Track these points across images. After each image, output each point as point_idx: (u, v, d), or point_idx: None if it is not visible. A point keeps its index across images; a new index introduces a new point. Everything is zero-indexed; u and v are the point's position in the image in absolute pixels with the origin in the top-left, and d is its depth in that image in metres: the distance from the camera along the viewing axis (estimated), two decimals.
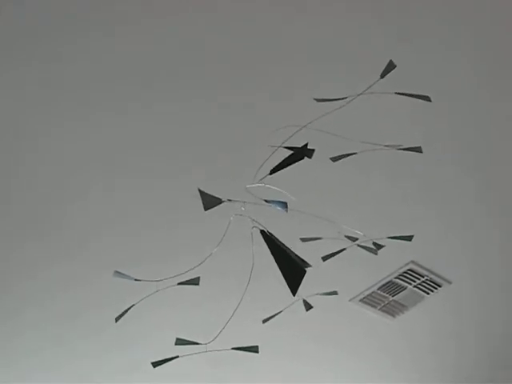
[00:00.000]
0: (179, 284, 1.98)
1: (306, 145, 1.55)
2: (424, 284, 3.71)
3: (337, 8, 2.44)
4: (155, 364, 1.89)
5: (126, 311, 1.96)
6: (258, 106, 2.72)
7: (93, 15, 2.34)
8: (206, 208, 1.54)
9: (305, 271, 1.45)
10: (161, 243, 3.19)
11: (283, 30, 2.48)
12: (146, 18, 2.38)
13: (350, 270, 3.56)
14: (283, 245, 1.54)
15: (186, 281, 1.99)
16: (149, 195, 2.97)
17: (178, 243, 3.21)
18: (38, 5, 2.27)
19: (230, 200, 1.66)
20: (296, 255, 1.55)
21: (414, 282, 3.68)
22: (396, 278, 3.65)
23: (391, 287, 3.70)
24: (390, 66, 1.74)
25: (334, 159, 1.99)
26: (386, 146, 2.03)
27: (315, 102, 2.69)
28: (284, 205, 1.55)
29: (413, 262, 3.58)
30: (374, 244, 2.06)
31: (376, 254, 2.09)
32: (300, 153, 1.56)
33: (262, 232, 1.54)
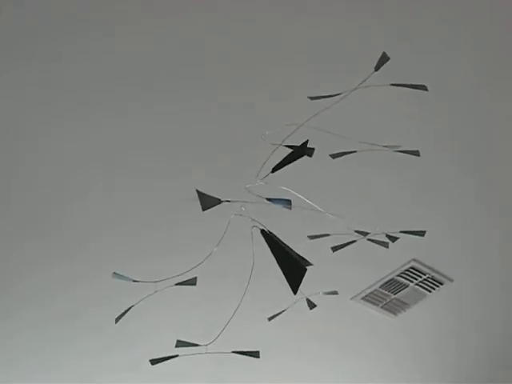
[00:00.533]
0: (177, 284, 1.99)
1: (306, 142, 1.56)
2: (426, 282, 3.71)
3: (337, 8, 2.44)
4: (153, 361, 1.90)
5: (126, 312, 1.96)
6: (258, 106, 2.72)
7: (93, 15, 2.34)
8: (204, 208, 1.55)
9: (305, 269, 1.46)
10: (161, 243, 3.19)
11: (283, 30, 2.48)
12: (146, 17, 2.38)
13: (351, 268, 3.57)
14: (283, 243, 1.55)
15: (184, 281, 1.99)
16: (149, 195, 2.97)
17: (178, 243, 3.21)
18: (37, 5, 2.28)
19: (228, 201, 1.66)
20: (296, 254, 1.55)
21: (416, 279, 3.68)
22: (398, 275, 3.65)
23: (393, 285, 3.70)
24: (384, 58, 1.74)
25: (334, 156, 2.00)
26: (384, 146, 2.03)
27: (315, 101, 2.70)
28: (287, 202, 1.56)
29: (414, 259, 3.58)
30: (388, 236, 2.06)
31: (387, 247, 2.10)
32: (300, 151, 1.57)
33: (262, 231, 1.54)
